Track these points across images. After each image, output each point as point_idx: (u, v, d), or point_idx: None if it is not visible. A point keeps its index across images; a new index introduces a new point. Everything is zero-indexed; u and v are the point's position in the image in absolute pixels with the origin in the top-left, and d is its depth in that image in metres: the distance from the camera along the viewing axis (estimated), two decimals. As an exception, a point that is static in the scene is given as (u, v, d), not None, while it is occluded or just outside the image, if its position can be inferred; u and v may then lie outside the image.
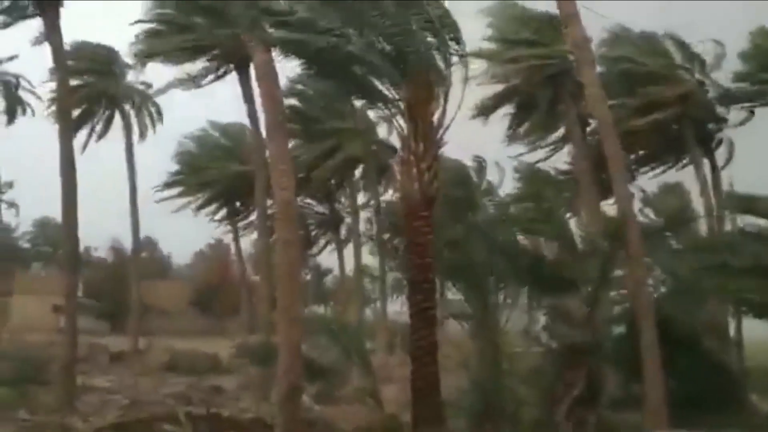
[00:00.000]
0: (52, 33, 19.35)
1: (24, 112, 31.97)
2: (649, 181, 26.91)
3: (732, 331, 19.02)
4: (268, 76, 11.01)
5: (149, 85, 30.93)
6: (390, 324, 33.55)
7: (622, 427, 12.57)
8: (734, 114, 23.76)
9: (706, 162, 24.00)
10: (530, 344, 15.31)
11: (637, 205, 26.41)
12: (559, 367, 13.28)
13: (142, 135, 33.14)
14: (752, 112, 23.17)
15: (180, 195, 33.60)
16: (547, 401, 12.28)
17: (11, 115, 31.13)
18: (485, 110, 23.45)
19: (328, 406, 13.88)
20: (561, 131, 24.12)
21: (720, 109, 23.79)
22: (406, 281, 14.56)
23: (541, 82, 22.83)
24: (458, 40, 13.86)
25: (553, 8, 20.93)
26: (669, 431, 11.37)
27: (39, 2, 19.49)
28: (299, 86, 23.28)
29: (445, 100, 14.20)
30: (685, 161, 24.52)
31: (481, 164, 29.80)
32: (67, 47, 22.12)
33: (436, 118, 14.15)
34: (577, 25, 14.88)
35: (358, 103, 15.70)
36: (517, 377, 14.59)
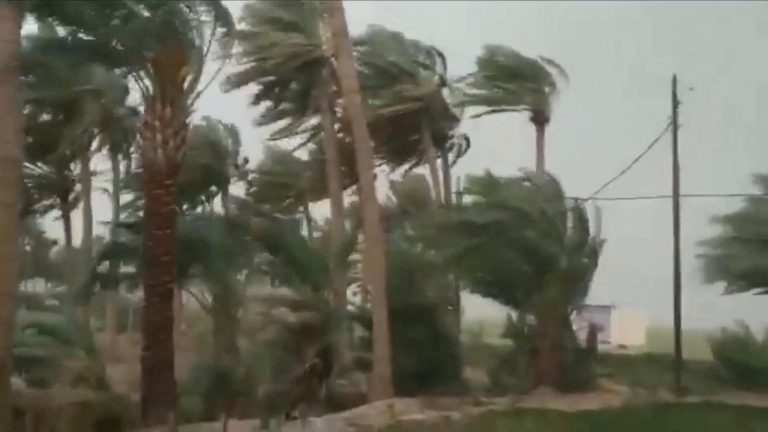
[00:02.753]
0: None
1: None
2: (395, 174, 28.89)
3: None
4: (6, 17, 9.48)
5: None
6: (121, 301, 31.36)
7: (349, 397, 13.27)
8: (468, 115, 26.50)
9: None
10: (268, 322, 15.44)
11: (383, 192, 28.17)
12: (293, 343, 13.62)
13: None
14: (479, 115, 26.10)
15: None
16: (280, 376, 12.53)
17: None
18: (233, 83, 23.01)
19: (46, 389, 12.53)
20: (317, 119, 24.68)
21: (454, 110, 26.23)
22: (144, 253, 13.75)
23: (295, 67, 23.07)
24: (220, 15, 13.46)
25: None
26: (391, 400, 12.27)
27: None
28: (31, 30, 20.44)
29: (199, 68, 13.67)
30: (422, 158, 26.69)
31: (235, 131, 29.13)
32: None
33: (187, 83, 13.57)
34: (340, 14, 15.27)
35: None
36: (252, 354, 14.64)
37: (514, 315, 16.12)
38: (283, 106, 25.41)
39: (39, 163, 26.36)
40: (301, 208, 31.48)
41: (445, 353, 15.13)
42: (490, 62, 25.39)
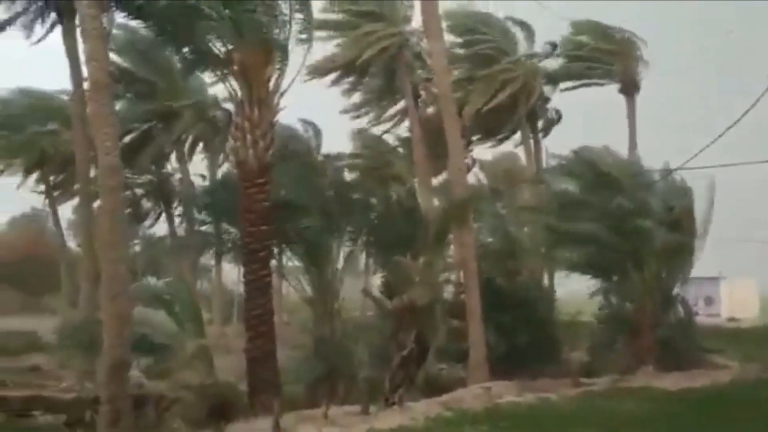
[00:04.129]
0: None
1: None
2: (485, 151, 28.66)
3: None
4: (95, 31, 10.13)
5: None
6: (226, 294, 32.91)
7: (447, 381, 13.39)
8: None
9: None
10: (366, 308, 15.75)
11: (473, 173, 28.06)
12: (392, 329, 13.83)
13: None
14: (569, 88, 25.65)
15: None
16: (380, 361, 12.78)
17: None
18: (318, 71, 23.47)
19: (161, 380, 13.40)
20: (402, 103, 24.89)
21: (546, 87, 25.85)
22: (242, 249, 14.36)
23: (378, 53, 23.28)
24: (302, 9, 13.72)
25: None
26: (488, 383, 12.31)
27: None
28: (122, 38, 21.54)
29: (283, 65, 14.03)
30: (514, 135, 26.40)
31: (316, 129, 29.86)
32: None
33: (272, 83, 13.98)
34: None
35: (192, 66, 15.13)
36: (352, 340, 15.00)
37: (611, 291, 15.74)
38: (368, 94, 25.77)
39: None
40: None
41: (541, 334, 14.97)
42: (577, 35, 25.07)
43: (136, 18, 12.40)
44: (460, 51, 24.39)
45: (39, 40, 20.80)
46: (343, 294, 15.87)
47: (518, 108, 24.18)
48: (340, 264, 17.86)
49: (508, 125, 25.63)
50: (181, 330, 13.82)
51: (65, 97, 23.40)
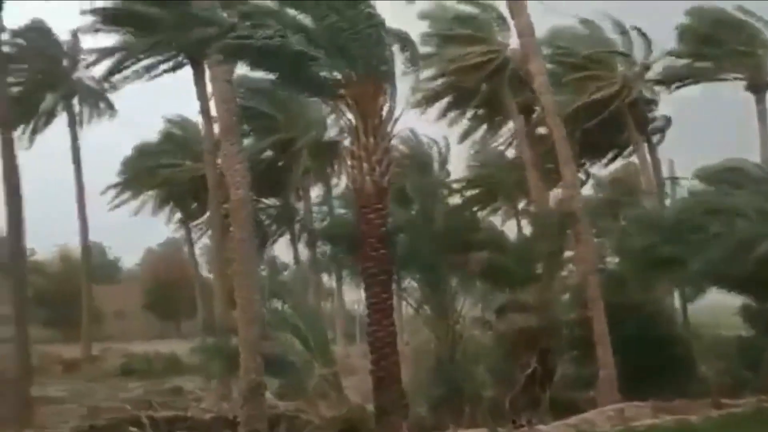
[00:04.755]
0: None
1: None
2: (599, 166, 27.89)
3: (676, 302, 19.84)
4: (222, 76, 11.07)
5: (99, 80, 29.59)
6: (348, 314, 33.81)
7: (575, 402, 13.08)
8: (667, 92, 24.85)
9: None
10: (485, 329, 15.71)
11: (588, 186, 27.36)
12: (514, 350, 13.71)
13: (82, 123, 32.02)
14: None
15: (131, 197, 33.03)
16: (503, 383, 12.70)
17: None
18: (427, 102, 23.94)
19: (292, 401, 14.02)
20: (510, 124, 24.84)
21: (655, 90, 24.77)
22: (362, 273, 14.78)
23: (481, 76, 23.37)
24: (403, 38, 14.12)
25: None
26: (620, 405, 11.90)
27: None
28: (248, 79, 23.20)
29: (393, 95, 14.47)
30: (627, 147, 25.51)
31: (440, 150, 30.31)
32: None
33: (384, 112, 14.43)
34: (523, 14, 15.26)
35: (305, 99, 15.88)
36: (473, 362, 14.99)
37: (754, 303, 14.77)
38: (474, 115, 25.92)
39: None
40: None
41: (672, 351, 14.28)
42: (692, 28, 23.61)
43: (255, 65, 13.21)
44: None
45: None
46: (463, 314, 15.94)
47: (625, 119, 23.36)
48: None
49: (619, 135, 24.83)
50: (309, 352, 14.40)
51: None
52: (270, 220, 30.68)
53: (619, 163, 27.91)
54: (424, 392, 14.48)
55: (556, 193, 24.33)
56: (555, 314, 15.09)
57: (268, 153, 27.48)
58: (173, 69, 22.48)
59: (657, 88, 24.69)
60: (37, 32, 29.76)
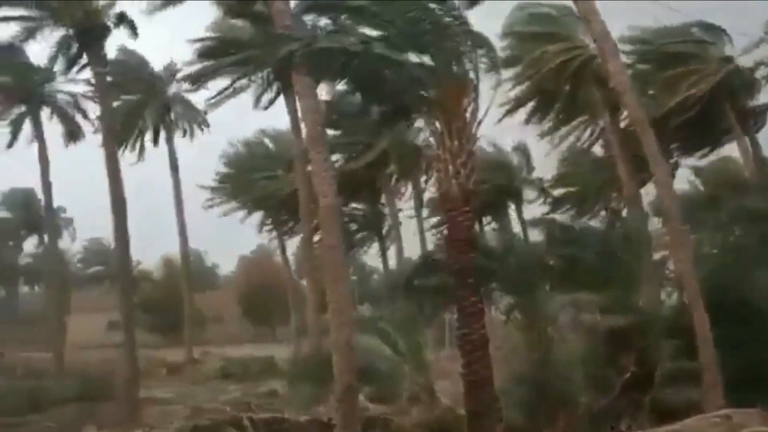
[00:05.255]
0: (95, 63, 20.40)
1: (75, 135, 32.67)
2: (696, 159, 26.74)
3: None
4: (306, 89, 11.45)
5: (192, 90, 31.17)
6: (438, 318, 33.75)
7: (677, 406, 12.54)
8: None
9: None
10: (578, 330, 15.34)
11: (684, 180, 26.23)
12: (610, 351, 13.32)
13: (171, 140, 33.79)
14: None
15: (225, 202, 34.43)
16: (600, 386, 12.35)
17: (70, 137, 31.64)
18: (514, 105, 23.72)
19: (385, 405, 14.18)
20: (600, 123, 24.24)
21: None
22: (450, 277, 14.78)
23: (564, 74, 22.89)
24: (483, 40, 14.06)
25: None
26: (726, 411, 11.33)
27: (83, 39, 20.46)
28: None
29: (476, 98, 14.41)
30: (722, 141, 24.37)
31: (524, 151, 29.95)
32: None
33: (468, 114, 14.40)
34: (597, 18, 14.95)
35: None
36: (567, 364, 14.66)
37: None
38: (555, 114, 25.46)
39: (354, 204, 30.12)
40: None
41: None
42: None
43: (338, 76, 13.47)
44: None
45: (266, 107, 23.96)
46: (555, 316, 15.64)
47: (722, 110, 22.24)
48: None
49: (718, 128, 23.69)
50: (400, 357, 14.54)
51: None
52: (358, 226, 31.23)
53: (716, 155, 26.69)
54: (517, 396, 14.29)
55: (648, 190, 23.50)
56: (652, 314, 14.56)
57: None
58: (266, 86, 23.51)
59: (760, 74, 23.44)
60: (135, 60, 31.75)
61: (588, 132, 26.18)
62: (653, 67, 22.47)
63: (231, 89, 24.06)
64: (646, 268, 17.04)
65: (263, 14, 18.67)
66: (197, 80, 25.18)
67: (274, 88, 23.68)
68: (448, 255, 14.77)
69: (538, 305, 15.32)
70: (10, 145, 30.30)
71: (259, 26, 20.72)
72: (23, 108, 30.04)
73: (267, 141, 33.09)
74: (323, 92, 12.98)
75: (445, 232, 14.93)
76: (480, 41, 14.32)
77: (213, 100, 24.97)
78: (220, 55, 23.91)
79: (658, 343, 13.84)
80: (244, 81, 23.71)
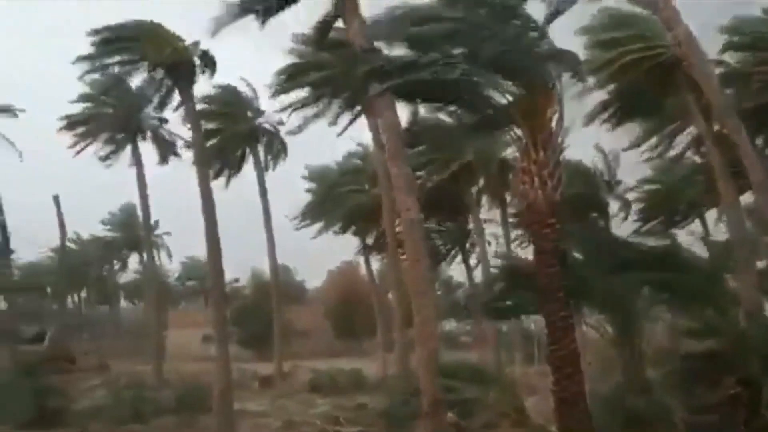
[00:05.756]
0: (185, 97, 21.75)
1: (166, 157, 34.62)
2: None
3: None
4: (387, 107, 11.59)
5: (280, 123, 32.60)
6: (526, 333, 33.10)
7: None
8: None
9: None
10: (674, 348, 14.68)
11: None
12: (704, 373, 12.67)
13: (267, 168, 35.06)
14: None
15: (313, 222, 35.22)
16: (694, 406, 11.75)
17: (163, 160, 34.14)
18: (597, 111, 23.00)
19: (474, 421, 14.00)
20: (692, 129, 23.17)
21: None
22: (538, 291, 14.45)
23: (649, 76, 22.00)
24: (567, 53, 13.79)
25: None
26: None
27: (173, 75, 21.89)
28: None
29: (561, 107, 14.11)
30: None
31: (608, 160, 28.97)
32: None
33: (554, 124, 14.11)
34: (679, 23, 14.42)
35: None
36: (664, 383, 14.04)
37: None
38: (643, 120, 24.49)
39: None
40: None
41: None
42: None
43: (422, 98, 13.50)
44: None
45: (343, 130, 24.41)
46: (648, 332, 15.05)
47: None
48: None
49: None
50: (487, 372, 14.36)
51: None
52: (443, 240, 31.15)
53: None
54: (610, 414, 13.79)
55: (746, 198, 22.24)
56: (750, 333, 13.74)
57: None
58: (348, 107, 24.16)
59: None
60: (227, 92, 33.36)
61: (679, 139, 25.06)
62: (753, 60, 21.28)
63: (314, 111, 24.86)
64: (746, 280, 16.17)
65: (341, 40, 19.17)
66: (284, 107, 26.18)
67: (346, 107, 24.45)
68: (535, 268, 14.48)
69: (633, 321, 14.76)
70: (104, 158, 33.46)
71: (337, 51, 21.29)
72: (123, 135, 33.21)
73: (354, 158, 33.71)
74: (403, 108, 13.05)
75: (532, 244, 14.65)
76: (564, 55, 14.06)
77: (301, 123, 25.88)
78: (301, 79, 24.75)
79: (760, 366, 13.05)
80: (325, 102, 24.44)
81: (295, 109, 26.04)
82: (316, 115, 24.93)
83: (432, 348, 12.24)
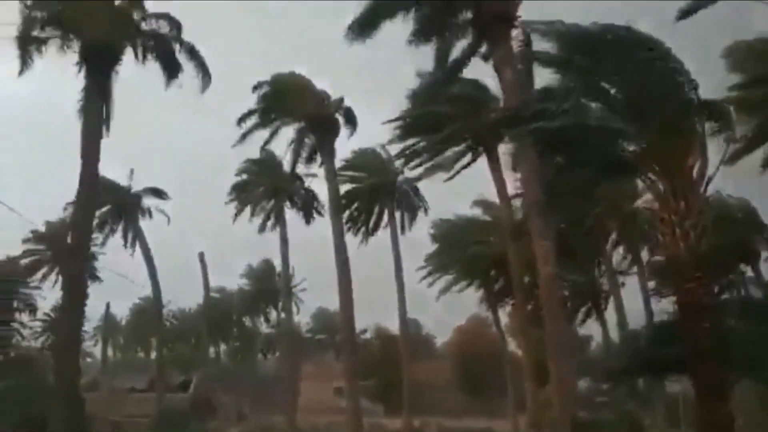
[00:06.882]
0: (327, 158, 22.97)
1: (309, 219, 36.41)
2: None
3: None
4: (525, 160, 11.57)
5: (414, 180, 33.25)
6: (667, 395, 30.89)
7: None
8: None
9: None
10: None
11: None
12: None
13: (403, 229, 35.74)
14: None
15: (439, 275, 35.19)
16: None
17: (307, 221, 36.07)
18: (741, 151, 21.53)
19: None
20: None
21: None
22: (686, 349, 13.53)
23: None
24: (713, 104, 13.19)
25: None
26: None
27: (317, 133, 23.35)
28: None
29: (703, 152, 13.39)
30: None
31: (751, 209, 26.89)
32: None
33: (695, 171, 13.39)
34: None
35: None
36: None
37: None
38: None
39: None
40: None
41: None
42: None
43: (550, 149, 13.32)
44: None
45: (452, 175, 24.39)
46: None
47: None
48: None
49: None
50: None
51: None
52: (575, 295, 30.03)
53: None
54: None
55: None
56: None
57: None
58: (471, 158, 24.16)
59: None
60: (367, 154, 34.84)
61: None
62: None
63: (433, 161, 25.06)
64: None
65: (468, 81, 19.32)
66: (410, 159, 26.54)
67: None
68: (681, 325, 13.60)
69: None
70: (262, 229, 36.50)
71: (457, 103, 21.41)
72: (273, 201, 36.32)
73: (478, 212, 33.53)
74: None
75: (675, 300, 13.83)
76: (709, 107, 13.42)
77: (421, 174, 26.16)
78: (423, 131, 24.88)
79: None
80: (449, 154, 24.51)
81: (411, 158, 26.22)
82: (437, 166, 25.01)
83: (570, 409, 11.76)
